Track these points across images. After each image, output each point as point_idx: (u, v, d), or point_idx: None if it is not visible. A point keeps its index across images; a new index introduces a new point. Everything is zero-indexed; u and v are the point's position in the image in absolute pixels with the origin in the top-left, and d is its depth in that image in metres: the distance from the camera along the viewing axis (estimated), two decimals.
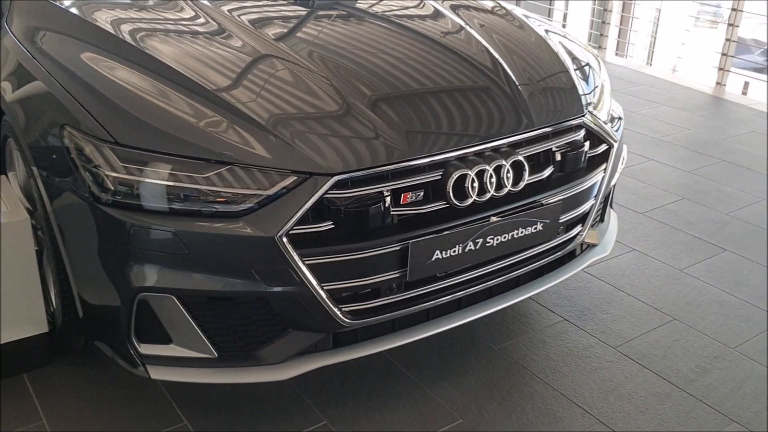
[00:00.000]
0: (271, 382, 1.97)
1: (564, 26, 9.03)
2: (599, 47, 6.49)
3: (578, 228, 2.24)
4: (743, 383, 2.17)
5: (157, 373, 1.81)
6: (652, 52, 12.51)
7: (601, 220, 2.49)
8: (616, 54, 9.86)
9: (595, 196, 2.24)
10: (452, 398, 2.07)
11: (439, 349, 2.28)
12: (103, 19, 2.19)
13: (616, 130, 2.37)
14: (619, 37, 11.55)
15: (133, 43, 2.03)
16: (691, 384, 2.17)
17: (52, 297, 2.10)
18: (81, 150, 1.75)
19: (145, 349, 1.82)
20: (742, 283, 2.71)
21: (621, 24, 12.02)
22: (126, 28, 2.13)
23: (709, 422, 2.01)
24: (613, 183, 2.35)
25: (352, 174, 1.72)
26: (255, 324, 1.80)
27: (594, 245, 2.41)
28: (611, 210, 2.62)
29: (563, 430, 1.97)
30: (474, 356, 2.26)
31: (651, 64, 10.82)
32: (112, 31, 2.11)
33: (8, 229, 1.93)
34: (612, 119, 2.41)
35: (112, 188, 1.70)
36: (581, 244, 2.34)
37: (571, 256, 2.32)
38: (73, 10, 2.28)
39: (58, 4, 2.31)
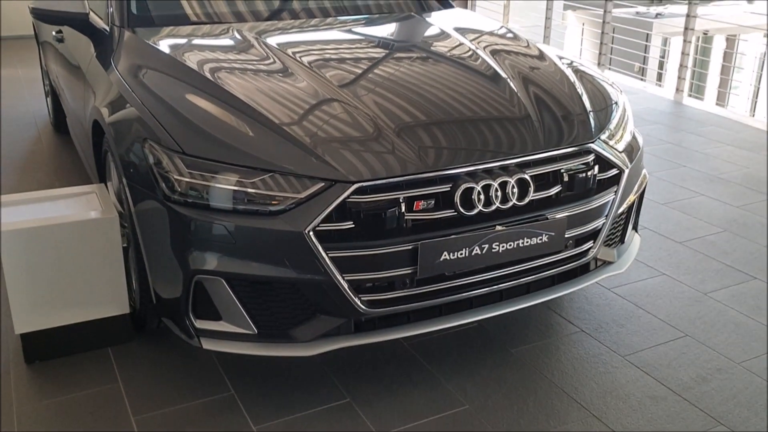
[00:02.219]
0: (302, 359, 2.33)
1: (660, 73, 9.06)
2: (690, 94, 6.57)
3: (589, 244, 2.47)
4: (739, 393, 2.32)
5: (208, 344, 2.19)
6: (755, 102, 12.19)
7: (621, 241, 2.70)
8: (717, 104, 9.79)
9: (606, 216, 2.47)
10: (463, 388, 2.34)
11: (458, 347, 2.55)
12: (190, 58, 2.65)
13: (634, 159, 2.60)
14: (720, 86, 11.41)
15: (209, 78, 2.48)
16: (688, 390, 2.33)
17: (134, 284, 2.53)
18: (158, 159, 2.18)
19: (200, 324, 2.21)
20: (763, 308, 2.82)
21: (722, 74, 11.87)
22: (207, 65, 2.59)
23: (696, 423, 2.18)
24: (624, 206, 2.56)
25: (370, 182, 2.07)
26: (288, 306, 2.15)
27: (610, 262, 2.62)
28: (635, 233, 2.82)
29: (558, 421, 2.19)
30: (490, 356, 2.51)
31: (754, 115, 10.61)
32: (195, 68, 2.57)
33: (101, 225, 2.39)
34: (632, 149, 2.64)
35: (179, 190, 2.12)
36: (595, 260, 2.57)
37: (585, 269, 2.55)
38: (167, 51, 2.77)
39: (155, 45, 2.81)
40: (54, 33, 3.72)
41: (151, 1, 3.12)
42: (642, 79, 8.22)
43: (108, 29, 3.00)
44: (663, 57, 12.31)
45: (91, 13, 3.10)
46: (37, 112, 5.42)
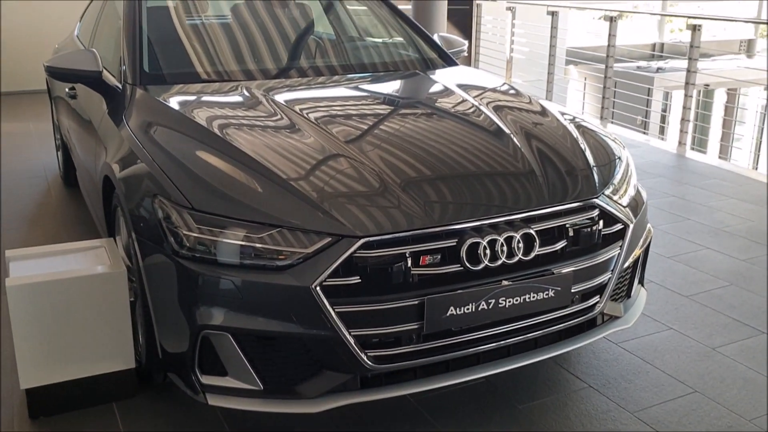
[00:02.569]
0: (309, 417, 2.31)
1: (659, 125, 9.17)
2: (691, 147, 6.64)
3: (596, 299, 2.47)
4: None
5: (214, 400, 2.18)
6: (757, 155, 12.26)
7: (628, 295, 2.70)
8: (719, 157, 9.86)
9: (612, 271, 2.48)
10: None
11: (465, 403, 2.53)
12: (199, 115, 2.71)
13: (639, 213, 2.62)
14: (722, 139, 11.51)
15: (218, 134, 2.53)
16: None
17: (140, 338, 2.53)
18: (168, 215, 2.21)
19: (206, 379, 2.20)
20: None
21: (724, 127, 12.00)
22: (216, 122, 2.64)
23: None
24: (630, 261, 2.57)
25: (377, 237, 2.09)
26: (294, 362, 2.15)
27: (617, 317, 2.62)
28: (641, 287, 2.82)
29: None
30: (497, 412, 2.49)
31: (756, 168, 10.66)
32: (204, 125, 2.62)
33: (109, 279, 2.40)
34: (636, 204, 2.66)
35: (187, 245, 2.14)
36: (602, 315, 2.56)
37: (592, 324, 2.54)
38: (177, 108, 2.83)
39: (166, 102, 2.87)
40: (67, 89, 3.80)
41: (164, 60, 3.20)
42: (645, 133, 8.31)
43: (120, 86, 3.07)
44: (665, 110, 12.46)
45: (104, 71, 3.17)
46: (47, 165, 5.49)
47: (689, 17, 6.40)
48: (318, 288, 2.03)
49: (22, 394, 2.47)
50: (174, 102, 2.88)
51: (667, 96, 12.86)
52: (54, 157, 5.49)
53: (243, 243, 2.10)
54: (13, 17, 8.72)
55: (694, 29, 6.16)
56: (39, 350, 2.36)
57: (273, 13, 3.68)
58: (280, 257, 2.09)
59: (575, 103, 12.21)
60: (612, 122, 7.58)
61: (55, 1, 8.82)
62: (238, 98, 2.94)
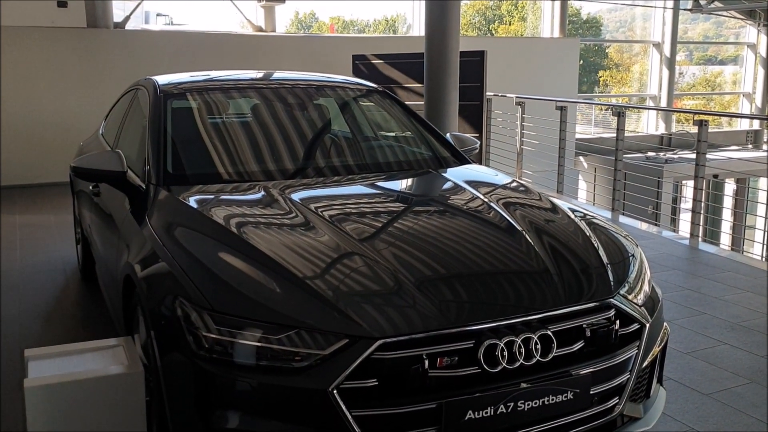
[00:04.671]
0: None
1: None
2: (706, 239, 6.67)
3: (615, 400, 2.44)
4: None
5: None
6: None
7: (647, 395, 2.67)
8: (732, 249, 9.84)
9: (630, 371, 2.46)
10: None
11: None
12: (218, 214, 2.78)
13: (655, 312, 2.62)
14: (733, 231, 11.53)
15: (236, 232, 2.59)
16: None
17: None
18: (187, 315, 2.24)
19: None
20: None
21: (734, 218, 12.02)
22: (234, 221, 2.71)
23: None
24: (648, 360, 2.55)
25: (394, 339, 2.10)
26: None
27: (637, 418, 2.57)
28: (660, 386, 2.79)
29: None
30: None
31: None
32: (223, 224, 2.68)
33: (126, 380, 2.41)
34: (652, 302, 2.67)
35: (206, 346, 2.15)
36: (622, 417, 2.52)
37: (611, 426, 2.50)
38: (197, 208, 2.90)
39: (186, 202, 2.95)
40: (91, 186, 3.91)
41: (187, 161, 3.31)
42: (656, 224, 8.36)
43: (144, 186, 3.16)
44: (675, 201, 12.55)
45: (129, 171, 3.28)
46: (66, 259, 5.57)
47: (695, 113, 6.56)
48: (335, 391, 2.03)
49: None
50: (193, 201, 2.96)
51: (676, 188, 12.97)
52: (73, 251, 5.58)
53: (260, 344, 2.12)
54: (38, 109, 9.03)
55: (701, 124, 6.30)
56: None
57: (291, 114, 3.80)
58: (296, 359, 2.10)
59: (586, 194, 12.33)
60: (623, 213, 7.64)
61: (81, 98, 9.17)
62: (255, 197, 3.01)
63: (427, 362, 2.11)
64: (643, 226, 7.18)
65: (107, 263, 3.44)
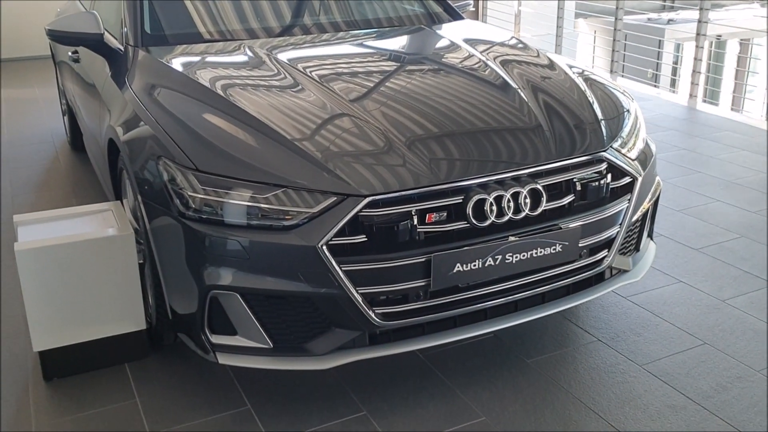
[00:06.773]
0: (318, 373, 2.34)
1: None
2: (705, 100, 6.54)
3: (604, 253, 2.46)
4: (760, 401, 2.29)
5: (224, 359, 2.20)
6: None
7: (636, 249, 2.69)
8: (732, 109, 9.70)
9: (620, 224, 2.46)
10: (479, 400, 2.33)
11: (474, 358, 2.54)
12: (203, 76, 2.68)
13: (648, 166, 2.59)
14: (734, 91, 11.33)
15: (222, 94, 2.50)
16: (708, 399, 2.31)
17: (150, 300, 2.55)
18: (173, 176, 2.20)
19: (216, 339, 2.22)
20: None
21: (736, 78, 11.79)
22: (219, 82, 2.61)
23: None
24: (638, 214, 2.55)
25: (383, 196, 2.07)
26: (303, 320, 2.16)
27: (625, 271, 2.61)
28: (650, 240, 2.81)
29: (576, 431, 2.18)
30: (506, 367, 2.50)
31: None
32: (208, 85, 2.59)
33: (116, 242, 2.41)
34: (645, 157, 2.63)
35: (193, 206, 2.13)
36: (610, 269, 2.55)
37: (600, 278, 2.53)
38: (180, 69, 2.80)
39: (168, 64, 2.84)
40: (70, 53, 3.77)
41: (165, 21, 3.16)
42: (655, 86, 8.19)
43: (122, 49, 3.04)
44: (676, 63, 12.26)
45: (106, 33, 3.14)
46: (54, 131, 5.49)
47: None
48: (324, 247, 2.03)
49: (36, 356, 2.51)
50: (176, 63, 2.85)
51: (678, 48, 12.63)
52: (61, 123, 5.49)
53: (249, 203, 2.09)
54: None
55: None
56: (50, 313, 2.39)
57: None
58: (286, 217, 2.08)
59: (585, 57, 12.02)
60: (622, 75, 7.47)
61: None
62: (241, 58, 2.90)
63: (416, 218, 2.10)
64: (642, 88, 7.03)
65: (92, 130, 3.37)
